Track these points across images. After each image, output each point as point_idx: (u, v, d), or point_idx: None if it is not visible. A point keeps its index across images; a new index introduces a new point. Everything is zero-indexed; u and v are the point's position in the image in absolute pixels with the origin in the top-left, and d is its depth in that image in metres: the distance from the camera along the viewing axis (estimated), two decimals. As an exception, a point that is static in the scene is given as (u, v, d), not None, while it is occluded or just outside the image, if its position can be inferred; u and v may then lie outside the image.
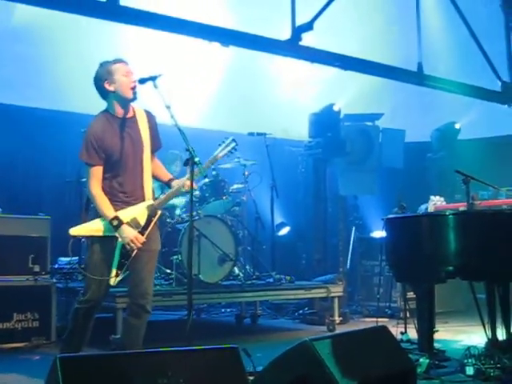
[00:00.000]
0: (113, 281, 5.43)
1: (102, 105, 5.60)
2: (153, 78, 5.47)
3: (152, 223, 5.57)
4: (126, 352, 3.40)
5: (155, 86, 5.44)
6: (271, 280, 8.96)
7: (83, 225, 5.54)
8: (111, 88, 5.47)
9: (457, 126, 12.53)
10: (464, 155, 11.43)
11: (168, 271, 8.13)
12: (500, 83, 11.81)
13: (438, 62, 11.76)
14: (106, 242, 5.44)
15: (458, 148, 12.24)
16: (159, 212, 5.63)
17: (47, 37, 9.89)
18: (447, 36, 12.71)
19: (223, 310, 10.81)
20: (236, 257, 8.44)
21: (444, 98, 12.00)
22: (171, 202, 8.78)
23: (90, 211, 5.55)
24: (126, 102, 5.53)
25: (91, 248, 5.52)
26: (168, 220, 8.52)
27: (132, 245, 5.39)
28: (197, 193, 8.52)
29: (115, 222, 5.35)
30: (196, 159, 5.27)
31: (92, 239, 5.52)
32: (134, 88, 5.50)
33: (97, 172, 5.43)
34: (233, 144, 6.06)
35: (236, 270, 8.65)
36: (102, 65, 5.49)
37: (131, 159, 5.51)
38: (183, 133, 5.33)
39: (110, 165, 5.46)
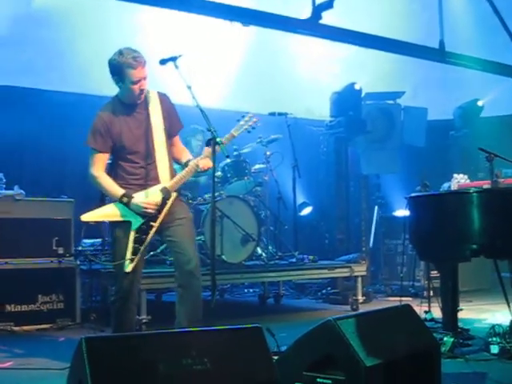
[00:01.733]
0: (129, 267, 5.35)
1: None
2: (173, 59, 5.47)
3: (167, 206, 5.51)
4: (151, 332, 3.41)
5: (176, 67, 5.44)
6: (294, 260, 8.97)
7: (95, 211, 5.50)
8: (118, 85, 5.47)
9: (479, 103, 12.42)
10: (487, 133, 11.33)
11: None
12: (523, 59, 11.66)
13: (459, 39, 11.65)
14: (123, 226, 5.44)
15: (480, 126, 12.13)
16: (174, 194, 5.58)
17: (67, 20, 9.89)
18: (469, 12, 12.57)
19: (246, 291, 10.85)
20: (258, 237, 8.44)
21: (466, 75, 11.90)
22: (194, 182, 8.86)
23: (106, 202, 5.53)
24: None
25: (112, 235, 5.55)
26: (190, 201, 8.53)
27: (148, 210, 5.37)
28: (219, 173, 8.53)
29: (125, 199, 5.37)
30: (218, 139, 5.27)
31: (111, 226, 5.54)
32: (140, 93, 5.46)
33: (101, 158, 5.46)
34: (252, 120, 6.10)
35: (259, 250, 8.65)
36: (120, 54, 5.35)
37: (142, 144, 5.51)
38: (204, 113, 5.33)
39: (119, 151, 5.48)
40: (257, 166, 9.29)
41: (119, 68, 5.34)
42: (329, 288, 9.94)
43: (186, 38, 10.53)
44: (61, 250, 7.65)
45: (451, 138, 12.66)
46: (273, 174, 9.29)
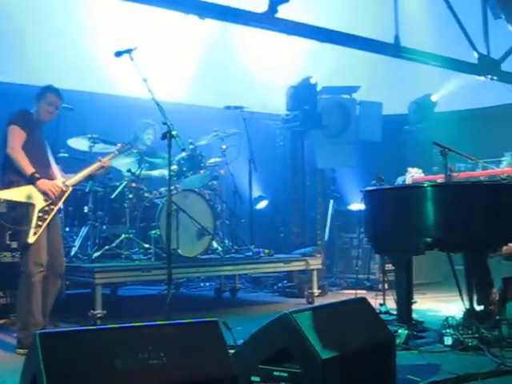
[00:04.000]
0: (32, 238, 5.84)
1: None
2: (129, 51, 5.45)
3: (63, 197, 6.16)
4: (107, 327, 3.37)
5: (131, 59, 5.41)
6: (250, 253, 8.96)
7: (13, 189, 5.95)
8: (34, 107, 6.20)
9: (433, 98, 12.56)
10: (441, 127, 11.47)
11: (146, 246, 8.09)
12: (477, 55, 11.83)
13: (414, 35, 11.73)
14: (29, 206, 5.95)
15: (434, 120, 12.27)
16: (70, 188, 6.25)
17: (23, 10, 9.73)
18: (424, 8, 12.68)
19: (202, 284, 10.83)
20: (214, 231, 8.42)
21: (421, 70, 12.01)
22: (149, 176, 8.81)
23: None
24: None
25: (20, 214, 5.99)
26: (146, 195, 8.47)
27: (53, 190, 5.99)
28: (174, 167, 8.48)
29: (37, 175, 5.94)
30: (174, 132, 5.25)
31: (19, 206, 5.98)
32: (50, 115, 6.25)
33: (20, 134, 5.98)
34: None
35: (214, 243, 8.63)
36: (45, 88, 6.23)
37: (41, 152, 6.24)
38: (160, 106, 5.32)
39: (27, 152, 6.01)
40: (213, 160, 9.25)
41: (38, 95, 6.27)
42: (285, 281, 9.97)
43: (143, 31, 10.44)
44: (14, 245, 7.54)
45: (406, 132, 12.77)
46: (229, 168, 9.27)
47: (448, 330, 5.81)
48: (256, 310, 8.65)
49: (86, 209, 7.92)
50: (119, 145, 7.38)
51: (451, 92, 12.72)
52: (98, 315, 6.94)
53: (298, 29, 9.48)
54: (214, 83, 11.70)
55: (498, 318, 6.13)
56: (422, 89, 12.66)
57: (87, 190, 7.90)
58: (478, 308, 6.30)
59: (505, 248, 6.90)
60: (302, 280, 9.47)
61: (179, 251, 7.82)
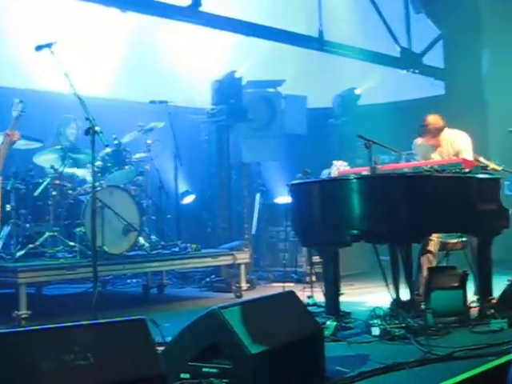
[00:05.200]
0: None
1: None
2: (49, 45, 5.33)
3: None
4: (31, 328, 3.28)
5: (52, 53, 5.30)
6: (177, 249, 8.89)
7: None
8: None
9: (357, 91, 12.71)
10: (365, 120, 11.61)
11: (71, 244, 7.94)
12: (399, 49, 12.04)
13: (338, 29, 11.85)
14: None
15: (359, 113, 12.42)
16: None
17: None
18: (347, 2, 12.80)
19: (129, 281, 10.69)
20: (141, 227, 8.34)
21: (345, 63, 12.14)
22: (73, 172, 8.66)
23: None
24: None
25: None
26: (69, 192, 8.32)
27: None
28: (98, 163, 8.35)
29: None
30: (97, 128, 5.16)
31: None
32: None
33: None
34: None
35: (141, 240, 8.54)
36: None
37: None
38: (83, 101, 5.23)
39: None
40: (137, 155, 9.14)
41: None
42: (212, 276, 9.93)
43: (65, 25, 10.22)
44: None
45: (330, 125, 12.90)
46: (154, 163, 9.18)
47: (375, 321, 5.88)
48: (184, 305, 8.59)
49: (7, 207, 7.72)
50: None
51: (374, 85, 12.90)
52: (23, 316, 6.77)
53: (222, 22, 9.48)
54: (138, 77, 11.57)
55: (423, 307, 6.25)
56: (346, 82, 12.80)
57: (9, 187, 7.70)
58: (404, 298, 6.40)
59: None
60: (230, 274, 9.46)
61: (105, 248, 7.70)
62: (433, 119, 7.44)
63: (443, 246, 7.25)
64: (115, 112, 10.22)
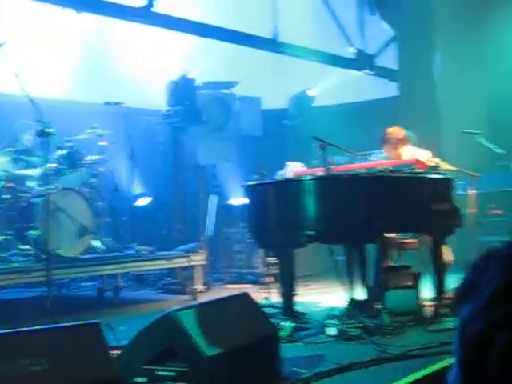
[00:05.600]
0: None
1: None
2: (-2, 45, 5.25)
3: None
4: (-18, 334, 3.24)
5: (1, 54, 5.22)
6: (132, 251, 8.84)
7: None
8: None
9: (312, 92, 12.75)
10: (320, 121, 11.65)
11: (25, 247, 7.84)
12: (353, 50, 12.14)
13: (293, 30, 11.89)
14: None
15: (314, 114, 12.46)
16: None
17: None
18: (303, 3, 12.85)
19: (84, 285, 10.58)
20: (95, 229, 8.27)
21: (300, 65, 12.18)
22: (25, 174, 8.54)
23: None
24: None
25: None
26: (22, 195, 8.20)
27: None
28: (52, 165, 8.26)
29: None
30: (50, 130, 5.10)
31: None
32: None
33: None
34: None
35: (96, 242, 8.47)
36: None
37: None
38: (35, 102, 5.17)
39: None
40: (92, 157, 9.06)
41: None
42: (168, 278, 9.89)
43: (19, 25, 10.08)
44: None
45: (285, 126, 12.91)
46: (108, 165, 9.11)
47: (331, 321, 5.92)
48: (139, 308, 8.53)
49: (-41, 211, 7.61)
50: None
51: (329, 86, 12.96)
52: None
53: (176, 23, 9.46)
54: (93, 79, 11.47)
55: (378, 306, 6.30)
56: (301, 83, 12.83)
57: (-41, 191, 7.59)
58: (360, 298, 6.44)
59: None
60: (186, 276, 9.42)
61: (59, 251, 7.62)
62: (392, 130, 7.53)
63: (398, 246, 7.32)
64: (70, 114, 10.12)
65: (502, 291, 1.11)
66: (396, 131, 7.52)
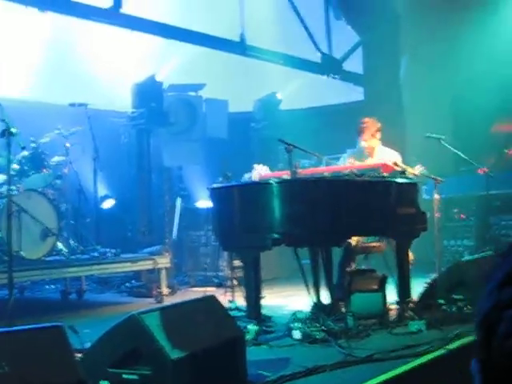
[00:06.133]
0: None
1: None
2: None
3: None
4: None
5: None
6: (96, 254, 8.77)
7: None
8: None
9: (278, 96, 12.76)
10: (286, 125, 11.68)
11: (-14, 249, 7.74)
12: (320, 55, 12.18)
13: (260, 34, 11.90)
14: None
15: (280, 118, 12.49)
16: None
17: None
18: (270, 7, 12.87)
19: (48, 287, 10.48)
20: (59, 231, 8.18)
21: (267, 68, 12.20)
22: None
23: None
24: None
25: None
26: (-16, 195, 8.10)
27: None
28: (15, 166, 8.17)
29: None
30: (13, 130, 5.04)
31: None
32: None
33: None
34: None
35: (59, 244, 8.38)
36: None
37: None
38: (-1, 102, 5.08)
39: None
40: (56, 158, 8.97)
41: None
42: (133, 281, 9.82)
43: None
44: None
45: (252, 129, 12.93)
46: (73, 167, 9.03)
47: (296, 324, 5.90)
48: (104, 311, 8.47)
49: None
50: None
51: (296, 90, 13.00)
52: None
53: (142, 24, 9.42)
54: (58, 79, 11.37)
55: (343, 310, 6.31)
56: (268, 87, 12.85)
57: None
58: (325, 301, 6.45)
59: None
60: (151, 279, 9.37)
61: (22, 253, 7.53)
62: (369, 119, 7.64)
63: (363, 249, 7.35)
64: (34, 114, 10.01)
65: None
66: (373, 120, 7.62)
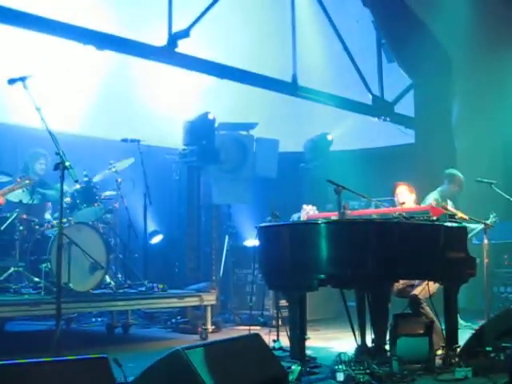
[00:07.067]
0: None
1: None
2: (22, 79, 5.32)
3: None
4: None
5: (25, 87, 5.28)
6: (143, 288, 8.82)
7: None
8: None
9: (329, 137, 12.78)
10: (336, 166, 11.67)
11: (36, 280, 7.85)
12: (371, 97, 12.20)
13: (312, 75, 11.98)
14: None
15: (330, 159, 12.49)
16: None
17: None
18: (322, 50, 12.97)
19: (94, 320, 10.55)
20: (107, 265, 8.26)
21: (317, 109, 12.24)
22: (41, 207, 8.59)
23: None
24: None
25: None
26: (37, 227, 8.24)
27: None
28: (68, 199, 8.32)
29: None
30: (67, 163, 5.14)
31: None
32: None
33: None
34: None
35: (107, 278, 8.46)
36: None
37: None
38: (54, 136, 5.20)
39: None
40: (107, 193, 9.11)
41: None
42: (178, 317, 9.84)
43: (39, 59, 10.20)
44: None
45: (301, 170, 12.95)
46: (123, 201, 9.14)
47: (340, 366, 5.84)
48: (149, 346, 8.49)
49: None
50: (18, 180, 7.14)
51: (346, 131, 13.02)
52: None
53: (197, 64, 9.54)
54: (110, 115, 11.55)
55: (388, 353, 6.23)
56: (318, 127, 12.88)
57: (-25, 221, 7.63)
58: (370, 344, 6.39)
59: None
60: (196, 316, 9.38)
61: (70, 285, 7.62)
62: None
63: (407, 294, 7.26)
64: (87, 149, 10.21)
65: None
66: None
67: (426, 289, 6.93)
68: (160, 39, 8.95)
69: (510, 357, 1.24)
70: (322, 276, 6.03)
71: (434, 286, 7.00)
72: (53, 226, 8.25)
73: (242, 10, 12.54)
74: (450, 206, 8.89)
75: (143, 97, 12.01)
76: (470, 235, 8.54)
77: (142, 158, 9.32)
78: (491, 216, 8.71)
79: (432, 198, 8.69)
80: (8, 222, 7.98)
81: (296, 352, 6.21)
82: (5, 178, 8.36)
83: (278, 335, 7.63)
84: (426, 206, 7.18)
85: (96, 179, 8.95)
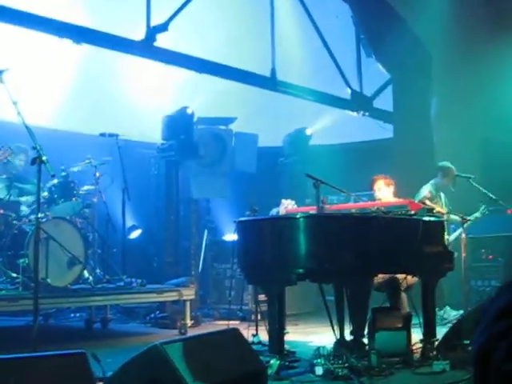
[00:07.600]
0: None
1: None
2: (-1, 73, 5.27)
3: None
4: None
5: (1, 81, 5.24)
6: (122, 283, 8.79)
7: None
8: None
9: (308, 131, 12.80)
10: (315, 160, 11.70)
11: (14, 275, 7.80)
12: (350, 91, 12.23)
13: (291, 70, 11.98)
14: None
15: (309, 153, 12.51)
16: None
17: None
18: (301, 44, 12.97)
19: (72, 315, 10.51)
20: (85, 260, 8.23)
21: (296, 104, 12.25)
22: (18, 201, 8.53)
23: None
24: None
25: None
26: (14, 222, 8.18)
27: None
28: (45, 194, 8.26)
29: None
30: (43, 158, 5.10)
31: None
32: None
33: None
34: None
35: (86, 273, 8.43)
36: None
37: None
38: (30, 130, 5.17)
39: None
40: (85, 188, 9.07)
41: None
42: (157, 312, 9.82)
43: (15, 53, 10.13)
44: None
45: (280, 164, 12.96)
46: (102, 196, 9.10)
47: (319, 360, 5.86)
48: (127, 341, 8.47)
49: None
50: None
51: (325, 126, 13.04)
52: None
53: (175, 58, 9.51)
54: (89, 109, 11.50)
55: (367, 347, 6.26)
56: (297, 122, 12.90)
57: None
58: (349, 338, 6.41)
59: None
60: (175, 310, 9.36)
61: (48, 280, 7.58)
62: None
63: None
64: (65, 143, 10.13)
65: (508, 306, 1.20)
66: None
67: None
68: (138, 33, 8.91)
69: (474, 343, 1.25)
70: (301, 270, 6.04)
71: (412, 279, 7.03)
72: (30, 221, 8.19)
73: (220, 4, 12.52)
74: (442, 198, 9.00)
75: (122, 91, 11.97)
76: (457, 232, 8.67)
77: (120, 152, 9.27)
78: (481, 208, 8.79)
79: (427, 191, 8.77)
80: (-15, 216, 7.92)
81: (275, 346, 6.22)
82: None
83: (256, 330, 7.63)
84: (405, 200, 7.20)
85: (73, 169, 8.89)
